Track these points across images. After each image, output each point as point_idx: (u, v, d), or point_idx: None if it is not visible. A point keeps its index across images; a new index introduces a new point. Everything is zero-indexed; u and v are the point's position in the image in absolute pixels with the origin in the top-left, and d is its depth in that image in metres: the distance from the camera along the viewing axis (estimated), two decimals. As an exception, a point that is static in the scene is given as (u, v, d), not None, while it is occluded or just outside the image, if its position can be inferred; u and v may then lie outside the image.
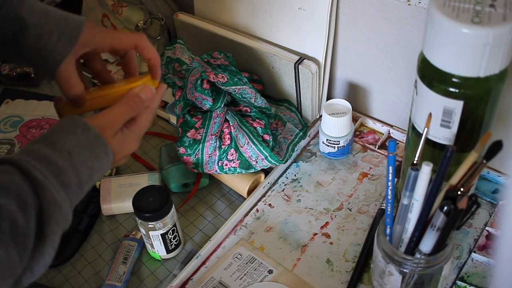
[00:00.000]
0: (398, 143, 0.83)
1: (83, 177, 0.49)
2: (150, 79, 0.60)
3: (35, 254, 0.45)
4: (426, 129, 0.55)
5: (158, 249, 0.70)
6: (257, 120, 0.76)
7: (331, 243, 0.71)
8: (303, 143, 0.83)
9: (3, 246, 0.41)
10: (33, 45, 0.54)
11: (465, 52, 0.52)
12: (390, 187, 0.55)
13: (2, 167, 0.45)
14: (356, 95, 0.86)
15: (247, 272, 0.68)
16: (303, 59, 0.78)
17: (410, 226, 0.56)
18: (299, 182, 0.79)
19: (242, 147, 0.74)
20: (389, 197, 0.56)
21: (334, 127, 0.77)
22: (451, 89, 0.55)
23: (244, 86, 0.75)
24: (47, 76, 0.54)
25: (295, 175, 0.80)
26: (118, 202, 0.76)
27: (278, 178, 0.80)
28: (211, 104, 0.73)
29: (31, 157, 0.46)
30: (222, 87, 0.74)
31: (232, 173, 0.76)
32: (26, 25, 0.53)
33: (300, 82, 0.79)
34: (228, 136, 0.75)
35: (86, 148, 0.50)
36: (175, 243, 0.71)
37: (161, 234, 0.68)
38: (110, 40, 0.58)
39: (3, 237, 0.41)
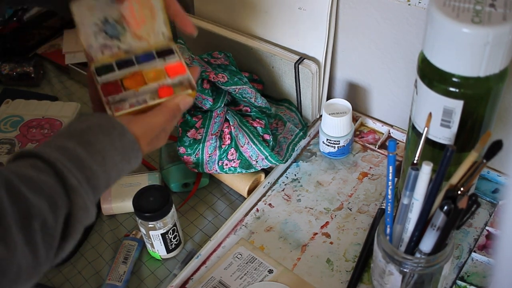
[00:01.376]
0: (398, 143, 0.83)
1: (111, 180, 0.49)
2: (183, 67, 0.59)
3: (58, 251, 0.45)
4: (426, 128, 0.55)
5: (158, 249, 0.70)
6: (257, 119, 0.76)
7: (331, 242, 0.71)
8: (303, 143, 0.83)
9: (33, 245, 0.42)
10: None
11: (465, 52, 0.52)
12: (390, 187, 0.55)
13: (37, 164, 0.45)
14: (356, 95, 0.86)
15: (247, 271, 0.68)
16: (303, 59, 0.78)
17: (410, 225, 0.56)
18: (299, 182, 0.79)
19: (242, 146, 0.74)
20: (389, 196, 0.56)
21: (334, 127, 0.77)
22: (451, 89, 0.55)
23: (244, 86, 0.75)
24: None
25: (295, 175, 0.80)
26: (118, 201, 0.76)
27: (278, 178, 0.80)
28: (211, 103, 0.73)
29: (66, 158, 0.46)
30: (222, 87, 0.74)
31: (232, 172, 0.76)
32: None
33: (300, 82, 0.79)
34: (228, 136, 0.75)
35: (120, 152, 0.50)
36: (175, 242, 0.71)
37: (161, 234, 0.68)
38: None
39: (35, 235, 0.42)
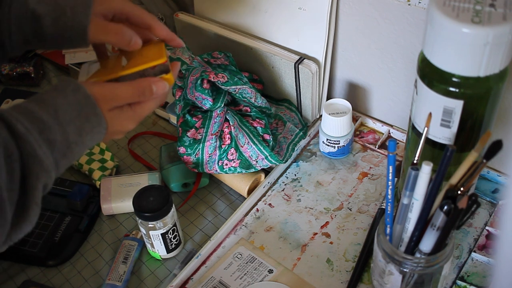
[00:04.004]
0: (398, 143, 0.83)
1: (70, 136, 0.48)
2: (164, 54, 0.59)
3: (19, 210, 0.45)
4: (426, 128, 0.55)
5: (158, 249, 0.70)
6: (257, 119, 0.76)
7: (331, 242, 0.71)
8: (303, 142, 0.83)
9: None
10: (54, 31, 0.53)
11: (465, 52, 0.52)
12: (390, 187, 0.55)
13: None
14: (356, 95, 0.86)
15: (247, 271, 0.68)
16: (303, 59, 0.78)
17: (410, 225, 0.56)
18: (299, 182, 0.79)
19: (242, 146, 0.74)
20: (389, 196, 0.56)
21: (334, 127, 0.77)
22: (451, 89, 0.55)
23: (244, 86, 0.75)
24: (86, 46, 0.55)
25: (295, 174, 0.80)
26: (118, 201, 0.76)
27: (278, 178, 0.80)
28: (211, 103, 0.73)
29: (16, 111, 0.46)
30: (222, 87, 0.74)
31: (232, 172, 0.76)
32: (40, 16, 0.53)
33: (300, 82, 0.79)
34: (228, 135, 0.75)
35: (74, 107, 0.49)
36: (175, 242, 0.71)
37: (161, 234, 0.68)
38: (129, 8, 0.58)
39: None
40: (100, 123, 0.51)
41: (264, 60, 0.81)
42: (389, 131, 0.84)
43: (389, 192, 0.56)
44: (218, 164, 0.76)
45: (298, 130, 0.82)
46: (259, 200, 0.77)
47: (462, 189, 0.53)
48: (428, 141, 0.61)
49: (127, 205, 0.76)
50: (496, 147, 0.51)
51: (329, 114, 0.77)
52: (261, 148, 0.74)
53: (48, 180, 0.47)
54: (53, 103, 0.48)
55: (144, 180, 0.78)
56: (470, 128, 0.58)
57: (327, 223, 0.73)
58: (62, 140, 0.48)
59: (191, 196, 0.78)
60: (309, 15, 0.77)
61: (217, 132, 0.75)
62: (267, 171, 0.79)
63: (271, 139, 0.76)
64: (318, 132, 0.83)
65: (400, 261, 0.57)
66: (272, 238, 0.72)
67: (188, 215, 0.77)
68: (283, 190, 0.78)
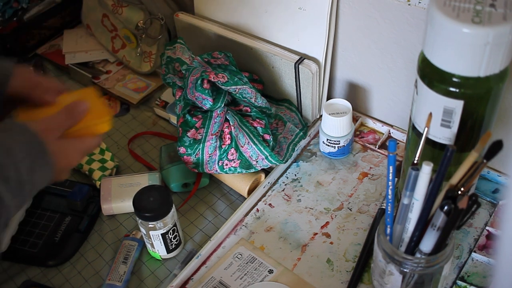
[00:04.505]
0: (398, 143, 0.83)
1: (22, 176, 0.49)
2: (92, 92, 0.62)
3: None
4: (426, 128, 0.55)
5: (158, 249, 0.70)
6: (257, 120, 0.76)
7: (331, 243, 0.71)
8: (303, 143, 0.83)
9: None
10: None
11: (465, 52, 0.52)
12: (391, 187, 0.55)
13: None
14: (356, 95, 0.86)
15: (248, 272, 0.68)
16: (303, 59, 0.78)
17: (411, 225, 0.56)
18: (299, 182, 0.79)
19: (242, 147, 0.74)
20: (390, 196, 0.56)
21: (334, 127, 0.77)
22: (452, 89, 0.55)
23: (244, 86, 0.75)
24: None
25: (295, 175, 0.80)
26: (118, 202, 0.76)
27: (279, 178, 0.80)
28: (211, 104, 0.73)
29: None
30: (223, 87, 0.74)
31: (233, 173, 0.76)
32: None
33: (300, 82, 0.79)
34: (228, 136, 0.75)
35: (24, 147, 0.50)
36: (175, 242, 0.71)
37: (161, 234, 0.68)
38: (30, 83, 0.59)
39: None
40: (48, 161, 0.52)
41: (264, 60, 0.81)
42: (389, 131, 0.84)
43: (389, 192, 0.56)
44: (218, 164, 0.76)
45: (298, 130, 0.82)
46: (259, 200, 0.77)
47: (462, 189, 0.53)
48: (428, 141, 0.61)
49: (127, 205, 0.76)
50: (496, 147, 0.51)
51: (329, 114, 0.77)
52: (261, 148, 0.74)
53: (8, 216, 0.49)
54: (4, 143, 0.49)
55: (144, 180, 0.78)
56: (470, 128, 0.58)
57: (327, 223, 0.73)
58: (16, 179, 0.49)
59: (191, 196, 0.78)
60: (309, 15, 0.77)
61: (217, 132, 0.75)
62: (267, 171, 0.79)
63: (271, 139, 0.76)
64: (318, 132, 0.83)
65: (400, 261, 0.57)
66: (272, 238, 0.72)
67: (188, 215, 0.77)
68: (283, 190, 0.78)
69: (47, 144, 0.52)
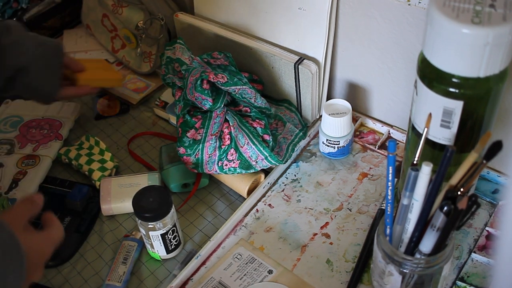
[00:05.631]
0: (398, 143, 0.83)
1: None
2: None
3: None
4: (426, 129, 0.55)
5: (158, 249, 0.70)
6: (257, 120, 0.76)
7: (331, 243, 0.71)
8: (303, 143, 0.83)
9: None
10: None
11: (465, 52, 0.52)
12: (390, 187, 0.55)
13: None
14: (356, 95, 0.86)
15: (247, 272, 0.68)
16: (303, 59, 0.78)
17: (410, 226, 0.56)
18: (299, 182, 0.79)
19: (242, 147, 0.74)
20: (389, 197, 0.56)
21: (334, 127, 0.77)
22: (451, 89, 0.55)
23: (244, 86, 0.75)
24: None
25: (295, 175, 0.80)
26: (118, 202, 0.76)
27: (278, 178, 0.80)
28: (211, 104, 0.73)
29: None
30: (222, 87, 0.74)
31: (232, 173, 0.76)
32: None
33: (300, 82, 0.79)
34: (228, 136, 0.75)
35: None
36: (175, 243, 0.71)
37: (161, 234, 0.68)
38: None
39: None
40: (20, 253, 0.50)
41: (264, 61, 0.81)
42: (389, 131, 0.84)
43: (389, 192, 0.55)
44: (217, 164, 0.76)
45: (298, 130, 0.82)
46: (259, 200, 0.77)
47: (462, 189, 0.53)
48: (428, 141, 0.61)
49: (126, 206, 0.76)
50: (496, 147, 0.51)
51: (329, 114, 0.77)
52: (261, 148, 0.74)
53: None
54: None
55: (144, 180, 0.78)
56: (470, 129, 0.58)
57: (327, 223, 0.73)
58: None
59: (191, 196, 0.78)
60: (309, 15, 0.77)
61: (217, 132, 0.75)
62: (267, 172, 0.79)
63: (271, 139, 0.76)
64: (318, 133, 0.82)
65: (400, 261, 0.57)
66: (272, 238, 0.72)
67: (188, 215, 0.77)
68: (283, 191, 0.78)
69: (18, 236, 0.51)
